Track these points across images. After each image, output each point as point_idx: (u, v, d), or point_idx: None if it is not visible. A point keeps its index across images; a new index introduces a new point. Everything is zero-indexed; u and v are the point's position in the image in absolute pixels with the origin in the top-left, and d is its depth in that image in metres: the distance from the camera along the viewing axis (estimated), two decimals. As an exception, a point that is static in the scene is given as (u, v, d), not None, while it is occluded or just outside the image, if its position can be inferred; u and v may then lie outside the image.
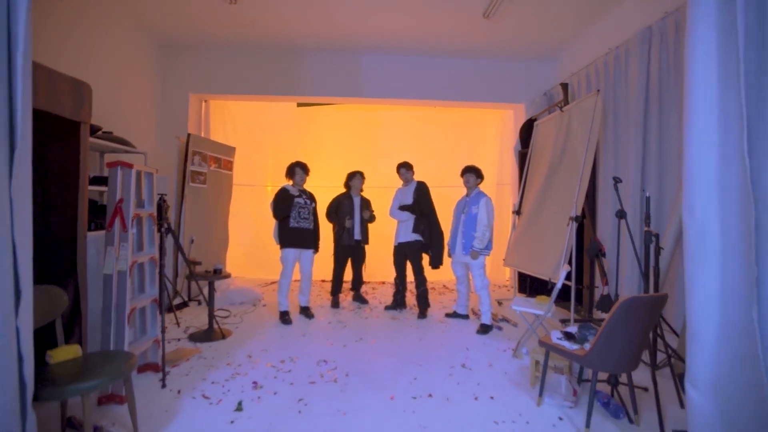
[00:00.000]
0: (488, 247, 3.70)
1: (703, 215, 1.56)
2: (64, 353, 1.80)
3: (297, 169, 3.94)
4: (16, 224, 1.28)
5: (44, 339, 1.88)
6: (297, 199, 3.88)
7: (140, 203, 2.43)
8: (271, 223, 4.02)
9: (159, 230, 2.53)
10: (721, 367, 1.55)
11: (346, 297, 4.74)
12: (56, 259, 2.32)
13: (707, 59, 1.53)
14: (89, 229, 2.55)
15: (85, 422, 1.62)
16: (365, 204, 4.42)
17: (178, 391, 2.43)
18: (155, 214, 2.53)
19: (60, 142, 2.32)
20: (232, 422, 2.11)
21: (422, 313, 4.09)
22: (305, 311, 4.07)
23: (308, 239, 3.91)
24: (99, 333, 2.34)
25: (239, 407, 2.24)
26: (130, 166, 2.27)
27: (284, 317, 3.87)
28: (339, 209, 4.36)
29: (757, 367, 1.42)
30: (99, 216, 3.04)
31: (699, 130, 1.57)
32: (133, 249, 2.37)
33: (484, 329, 3.63)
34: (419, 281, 4.13)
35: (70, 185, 2.35)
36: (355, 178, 4.41)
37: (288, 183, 4.00)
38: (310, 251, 3.96)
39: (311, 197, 4.04)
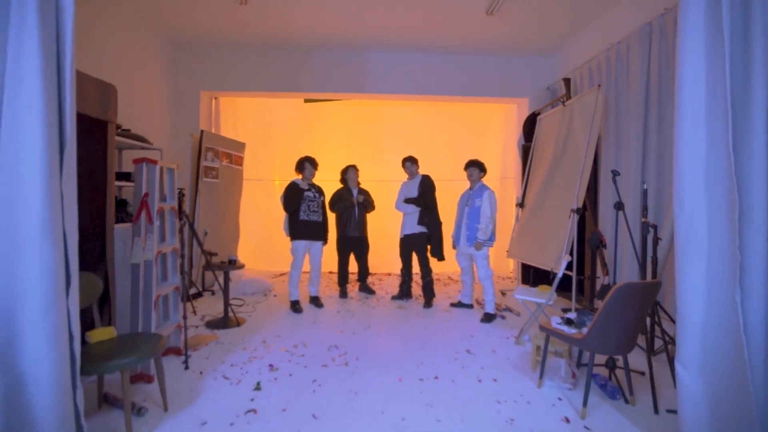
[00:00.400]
0: (491, 238, 3.83)
1: (691, 207, 1.68)
2: (101, 334, 1.97)
3: (306, 164, 4.09)
4: (66, 216, 1.43)
5: (82, 321, 2.04)
6: (306, 193, 4.02)
7: (163, 197, 2.58)
8: (280, 216, 4.17)
9: (180, 222, 2.68)
10: (708, 348, 1.68)
11: (353, 288, 4.89)
12: (85, 250, 2.49)
13: (696, 60, 1.64)
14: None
15: (125, 394, 1.78)
16: (364, 196, 4.55)
17: (200, 373, 2.60)
18: (177, 207, 2.68)
19: (87, 140, 2.47)
20: (252, 400, 2.28)
21: (428, 302, 4.24)
22: (315, 300, 4.23)
23: (318, 231, 4.06)
24: (126, 317, 2.51)
25: (258, 387, 2.41)
26: (154, 162, 2.42)
27: (295, 306, 4.03)
28: (339, 201, 4.51)
29: (740, 347, 1.55)
30: (119, 210, 3.19)
31: (688, 126, 1.68)
32: (157, 240, 2.52)
33: (488, 318, 3.77)
34: (425, 272, 4.28)
35: (96, 181, 2.51)
36: (349, 171, 4.56)
37: (297, 177, 4.14)
38: (320, 243, 4.11)
39: (320, 190, 4.18)
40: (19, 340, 1.33)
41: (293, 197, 3.98)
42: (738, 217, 1.54)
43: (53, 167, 1.38)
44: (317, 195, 4.12)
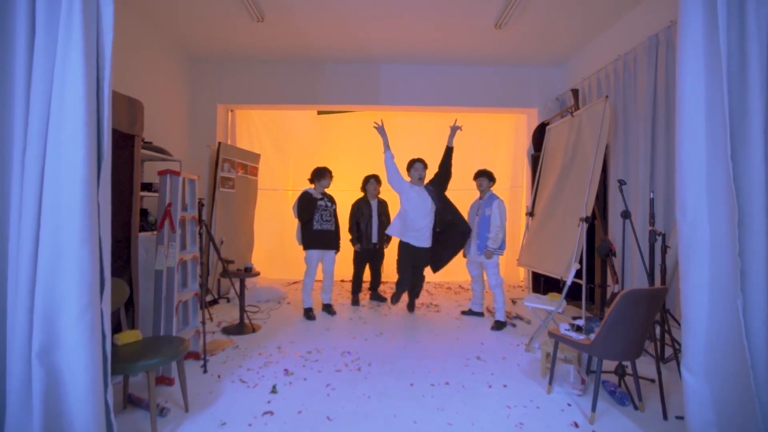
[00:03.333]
0: (501, 247, 3.89)
1: (693, 214, 1.73)
2: (128, 336, 2.08)
3: (327, 174, 4.20)
4: (102, 224, 1.55)
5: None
6: (319, 202, 4.13)
7: (184, 207, 2.71)
8: (292, 225, 4.28)
9: (200, 231, 2.81)
10: (712, 352, 1.71)
11: (364, 296, 4.97)
12: (112, 257, 2.62)
13: (695, 75, 1.71)
14: (138, 231, 2.84)
15: (150, 394, 1.89)
16: (382, 207, 4.65)
17: (218, 376, 2.69)
18: (197, 216, 2.81)
19: (116, 153, 2.61)
20: (269, 402, 2.36)
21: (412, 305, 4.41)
22: (328, 308, 4.31)
23: (331, 240, 4.16)
24: (148, 321, 2.62)
25: (274, 390, 2.49)
26: (177, 173, 2.55)
27: (308, 314, 4.12)
28: (358, 214, 4.61)
29: (743, 352, 1.59)
30: (141, 219, 3.34)
31: (689, 135, 1.74)
32: (179, 248, 2.64)
33: (498, 325, 3.80)
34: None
35: (123, 192, 2.65)
36: (369, 182, 4.67)
37: (310, 187, 4.25)
38: (332, 252, 4.20)
39: (332, 200, 4.28)
40: (60, 338, 1.45)
41: (308, 207, 4.08)
42: (738, 223, 1.60)
43: (92, 178, 1.51)
44: (329, 204, 4.22)
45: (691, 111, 1.70)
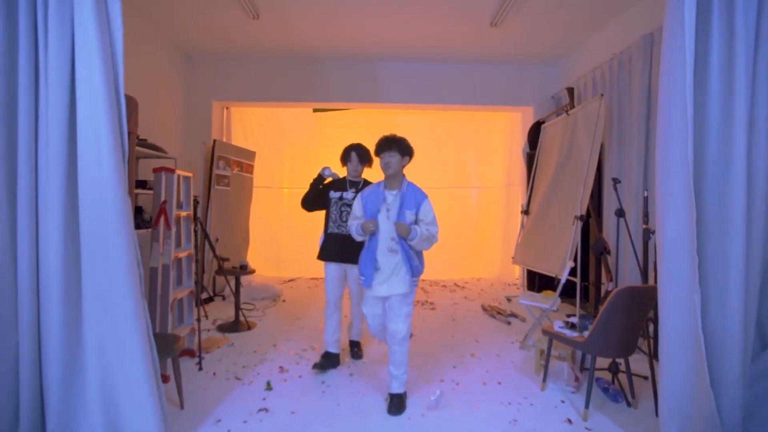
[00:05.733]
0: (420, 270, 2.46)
1: (661, 214, 1.76)
2: (122, 334, 2.07)
3: (347, 155, 3.01)
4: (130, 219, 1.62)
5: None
6: (333, 194, 2.91)
7: (179, 204, 2.70)
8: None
9: (195, 229, 2.80)
10: (671, 343, 1.74)
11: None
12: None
13: (671, 66, 1.73)
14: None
15: (145, 392, 1.88)
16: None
17: (214, 374, 2.69)
18: (192, 214, 2.80)
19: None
20: (264, 399, 2.37)
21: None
22: (353, 347, 3.09)
23: (355, 250, 2.56)
24: (144, 320, 2.61)
25: (269, 386, 2.50)
26: (172, 171, 2.54)
27: (324, 361, 2.82)
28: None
29: (698, 343, 1.64)
30: (135, 216, 3.32)
31: (663, 144, 1.77)
32: (173, 245, 2.64)
33: (397, 404, 2.29)
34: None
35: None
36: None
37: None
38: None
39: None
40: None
41: (313, 194, 2.94)
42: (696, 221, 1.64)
43: (123, 176, 1.65)
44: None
45: (666, 113, 1.74)
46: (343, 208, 2.85)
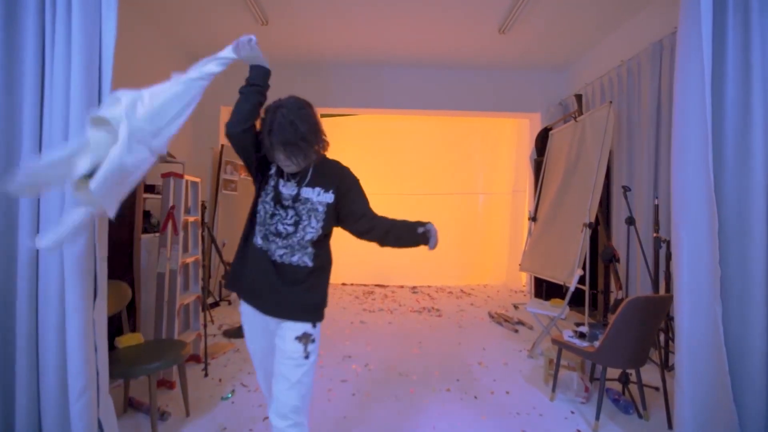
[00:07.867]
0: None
1: (678, 224, 1.71)
2: (129, 339, 2.07)
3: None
4: (97, 231, 1.55)
5: (110, 327, 2.15)
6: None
7: (187, 209, 2.71)
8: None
9: (202, 234, 2.80)
10: (692, 356, 1.69)
11: (365, 300, 4.95)
12: (113, 258, 2.61)
13: (692, 79, 1.68)
14: (140, 233, 2.84)
15: (152, 398, 1.87)
16: None
17: (219, 380, 2.68)
18: (200, 219, 2.81)
19: (119, 155, 2.62)
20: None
21: None
22: None
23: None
24: (150, 323, 2.61)
25: (275, 394, 2.47)
26: (180, 176, 2.55)
27: None
28: None
29: (721, 356, 1.59)
30: (143, 221, 3.33)
31: (680, 151, 1.72)
32: (181, 251, 2.64)
33: None
34: None
35: (126, 193, 2.64)
36: None
37: None
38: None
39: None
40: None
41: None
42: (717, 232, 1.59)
43: None
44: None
45: (682, 119, 1.69)
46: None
